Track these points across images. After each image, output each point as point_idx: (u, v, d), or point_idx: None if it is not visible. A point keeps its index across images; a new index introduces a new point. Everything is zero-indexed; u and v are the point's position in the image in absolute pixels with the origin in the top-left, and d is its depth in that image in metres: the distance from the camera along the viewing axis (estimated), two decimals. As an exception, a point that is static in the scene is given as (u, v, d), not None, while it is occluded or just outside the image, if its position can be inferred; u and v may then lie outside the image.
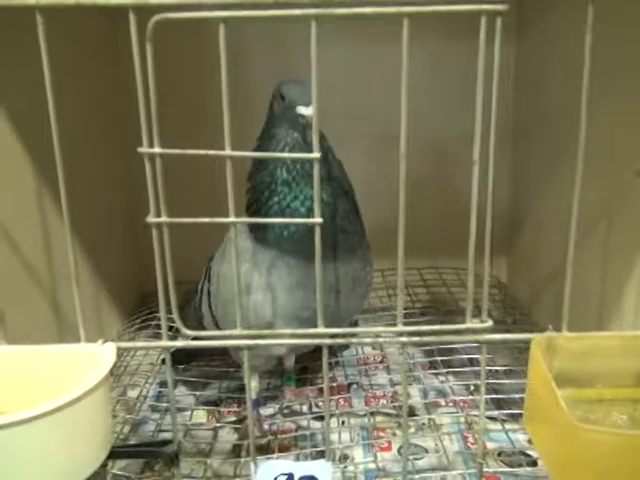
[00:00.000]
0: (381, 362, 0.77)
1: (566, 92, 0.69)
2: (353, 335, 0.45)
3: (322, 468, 0.45)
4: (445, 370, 0.73)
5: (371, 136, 0.91)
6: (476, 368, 0.69)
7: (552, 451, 0.40)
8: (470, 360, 0.72)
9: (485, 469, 0.56)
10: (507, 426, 0.61)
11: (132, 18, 0.37)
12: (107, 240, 0.83)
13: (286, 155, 0.39)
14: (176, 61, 0.86)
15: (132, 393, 0.70)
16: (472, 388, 0.70)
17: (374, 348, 0.80)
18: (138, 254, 0.91)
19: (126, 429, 0.63)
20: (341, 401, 0.69)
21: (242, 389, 0.67)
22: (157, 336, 0.78)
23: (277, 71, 0.90)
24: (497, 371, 0.70)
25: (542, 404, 0.41)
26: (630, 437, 0.36)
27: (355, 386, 0.73)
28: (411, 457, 0.58)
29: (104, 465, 0.42)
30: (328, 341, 0.43)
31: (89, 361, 0.41)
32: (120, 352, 0.75)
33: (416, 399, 0.69)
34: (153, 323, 0.81)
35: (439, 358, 0.74)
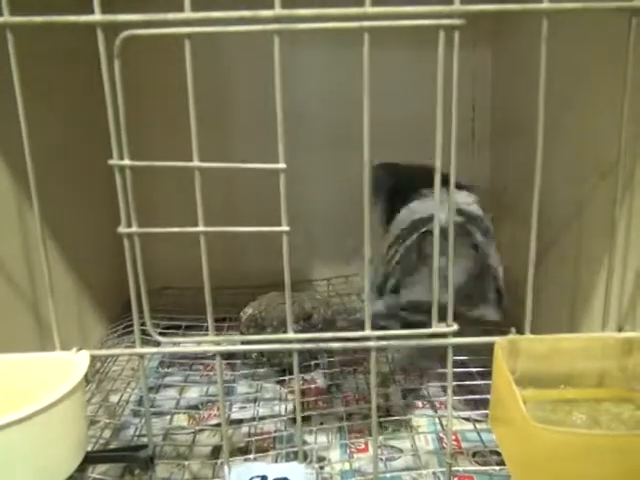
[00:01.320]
0: (361, 364, 0.79)
1: (537, 97, 0.71)
2: (322, 340, 0.46)
3: (295, 470, 0.46)
4: (423, 372, 0.74)
5: (348, 141, 0.93)
6: (455, 370, 0.70)
7: (513, 450, 0.41)
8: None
9: (457, 468, 0.57)
10: (481, 426, 0.62)
11: (100, 35, 0.38)
12: (89, 248, 0.83)
13: (250, 166, 0.40)
14: (156, 72, 0.87)
15: (114, 398, 0.71)
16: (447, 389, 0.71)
17: (355, 351, 0.81)
18: (121, 261, 0.92)
19: (107, 434, 0.64)
20: (319, 403, 0.70)
21: (225, 393, 0.68)
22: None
23: (260, 79, 0.93)
24: (473, 372, 0.71)
25: (504, 405, 0.43)
26: (585, 436, 0.37)
27: (334, 388, 0.74)
28: (385, 458, 0.59)
29: (82, 470, 0.43)
30: (297, 346, 0.45)
31: (63, 368, 0.42)
32: (102, 358, 0.76)
33: (394, 401, 0.70)
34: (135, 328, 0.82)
35: (417, 360, 0.75)
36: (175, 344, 0.46)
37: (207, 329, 0.82)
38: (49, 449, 0.38)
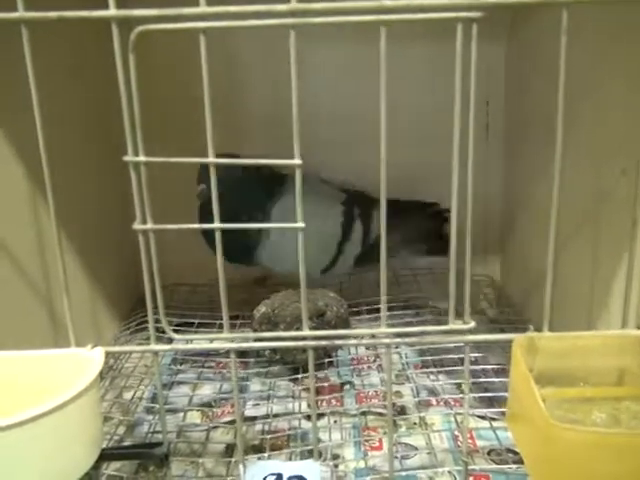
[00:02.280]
0: (374, 362, 0.78)
1: (556, 92, 0.70)
2: (337, 337, 0.46)
3: (310, 468, 0.46)
4: (437, 369, 0.73)
5: (355, 138, 0.92)
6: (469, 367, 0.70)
7: (531, 449, 0.41)
8: (461, 359, 0.72)
9: (473, 467, 0.57)
10: (496, 424, 0.62)
11: (115, 30, 0.38)
12: (102, 245, 0.83)
13: (269, 162, 0.40)
14: (168, 67, 0.87)
15: (127, 395, 0.71)
16: (463, 387, 0.70)
17: (367, 348, 0.81)
18: (134, 257, 0.92)
19: (121, 430, 0.64)
20: (333, 401, 0.70)
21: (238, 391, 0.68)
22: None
23: (271, 73, 0.92)
24: (488, 370, 0.71)
25: (522, 403, 0.42)
26: (605, 435, 0.36)
27: (347, 385, 0.73)
28: (400, 456, 0.59)
29: (96, 467, 0.43)
30: (312, 343, 0.44)
31: (78, 365, 0.42)
32: (116, 355, 0.76)
33: (408, 398, 0.70)
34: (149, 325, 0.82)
35: (430, 357, 0.74)
36: (189, 341, 0.46)
37: (219, 326, 0.83)
38: (66, 446, 0.38)
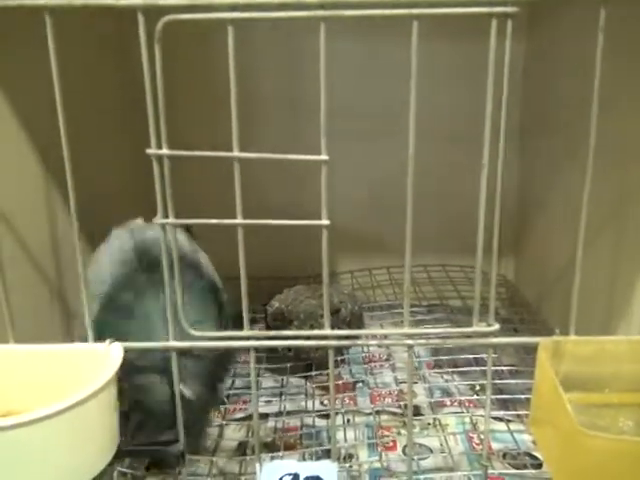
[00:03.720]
0: (387, 360, 0.77)
1: (577, 90, 0.69)
2: (359, 337, 0.45)
3: (327, 468, 0.46)
4: (451, 369, 0.73)
5: (375, 133, 0.91)
6: (482, 368, 0.69)
7: (556, 455, 0.40)
8: (476, 360, 0.72)
9: (490, 470, 0.56)
10: (512, 427, 0.61)
11: (141, 19, 0.37)
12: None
13: (292, 157, 0.39)
14: (184, 62, 0.86)
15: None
16: (477, 388, 0.70)
17: (380, 346, 0.80)
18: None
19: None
20: (346, 399, 0.69)
21: (250, 387, 0.68)
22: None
23: (286, 69, 0.91)
24: (503, 371, 0.70)
25: (548, 408, 0.41)
26: (634, 444, 0.36)
27: (360, 384, 0.73)
28: (416, 457, 0.58)
29: (111, 463, 0.42)
30: (334, 342, 0.44)
31: (96, 361, 0.41)
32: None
33: (421, 398, 0.69)
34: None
35: (444, 357, 0.74)
36: (208, 338, 0.45)
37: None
38: (85, 442, 0.37)
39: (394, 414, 0.67)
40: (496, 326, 0.43)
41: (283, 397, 0.69)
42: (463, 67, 0.80)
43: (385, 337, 0.47)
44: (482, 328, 0.44)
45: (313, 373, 0.72)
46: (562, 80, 0.78)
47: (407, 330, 0.44)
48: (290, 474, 0.45)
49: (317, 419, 0.65)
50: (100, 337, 0.42)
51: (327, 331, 0.43)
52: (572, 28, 0.74)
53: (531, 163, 0.91)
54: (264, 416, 0.66)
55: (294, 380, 0.73)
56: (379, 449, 0.60)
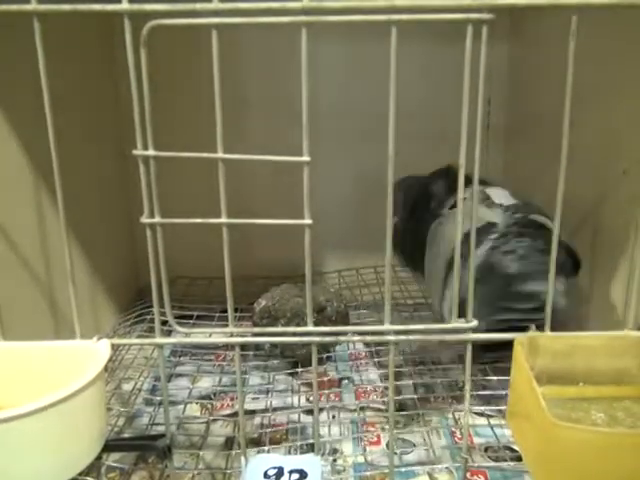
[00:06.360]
0: (372, 357, 0.79)
1: (558, 93, 0.70)
2: (341, 334, 0.46)
3: (311, 462, 0.47)
4: (434, 366, 0.74)
5: (361, 133, 0.92)
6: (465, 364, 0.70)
7: (532, 447, 0.41)
8: (460, 356, 0.73)
9: (471, 464, 0.57)
10: (493, 421, 0.62)
11: (127, 24, 0.38)
12: (103, 236, 0.84)
13: (274, 158, 0.40)
14: (171, 64, 0.87)
15: (127, 386, 0.71)
16: (461, 384, 0.71)
17: (366, 344, 0.82)
18: (134, 249, 0.92)
19: (121, 422, 0.64)
20: (332, 395, 0.71)
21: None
22: (152, 330, 0.79)
23: (270, 70, 0.92)
24: (485, 367, 0.71)
25: (523, 402, 0.43)
26: (606, 435, 0.37)
27: (346, 381, 0.74)
28: (399, 451, 0.60)
29: (99, 457, 0.43)
30: (317, 339, 0.45)
31: (84, 357, 0.42)
32: (115, 346, 0.77)
33: (406, 394, 0.70)
34: (148, 317, 0.83)
35: (428, 355, 0.75)
36: (193, 334, 0.46)
37: (218, 319, 0.83)
38: (73, 436, 0.38)
39: (378, 410, 0.68)
40: (474, 322, 0.45)
41: (270, 394, 0.70)
42: (446, 68, 0.82)
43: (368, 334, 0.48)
44: (460, 324, 0.45)
45: (299, 370, 0.73)
46: (543, 83, 0.79)
47: (388, 327, 0.45)
48: (275, 467, 0.46)
49: (303, 415, 0.66)
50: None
51: (310, 327, 0.44)
52: (553, 31, 0.75)
53: (516, 165, 0.92)
54: (251, 412, 0.67)
55: (281, 377, 0.74)
56: (363, 444, 0.62)
